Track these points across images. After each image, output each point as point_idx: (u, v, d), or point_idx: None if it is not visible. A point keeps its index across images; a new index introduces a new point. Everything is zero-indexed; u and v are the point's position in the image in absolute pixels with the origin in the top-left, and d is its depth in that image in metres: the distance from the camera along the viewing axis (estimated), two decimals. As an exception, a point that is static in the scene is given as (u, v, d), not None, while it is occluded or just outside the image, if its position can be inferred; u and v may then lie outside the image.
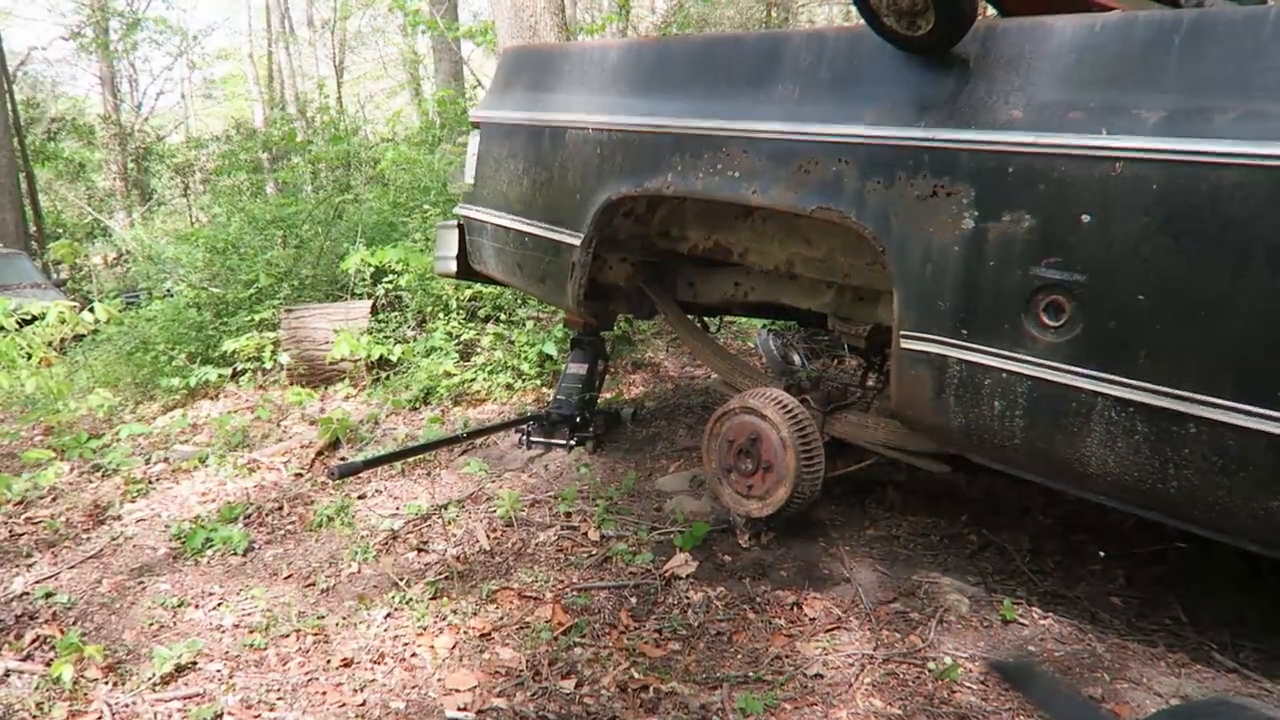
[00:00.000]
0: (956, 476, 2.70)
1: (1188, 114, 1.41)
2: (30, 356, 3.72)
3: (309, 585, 2.25)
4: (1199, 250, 1.39)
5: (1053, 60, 1.57)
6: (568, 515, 2.57)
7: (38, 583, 2.35)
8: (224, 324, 5.15)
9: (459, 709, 1.69)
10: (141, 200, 17.55)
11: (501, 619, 2.02)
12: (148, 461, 3.40)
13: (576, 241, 2.41)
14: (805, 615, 2.00)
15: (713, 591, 2.08)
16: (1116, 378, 1.49)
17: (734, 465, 2.30)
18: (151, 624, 2.10)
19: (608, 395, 3.67)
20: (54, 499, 3.08)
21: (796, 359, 4.11)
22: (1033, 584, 2.11)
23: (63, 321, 3.97)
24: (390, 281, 4.89)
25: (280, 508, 2.77)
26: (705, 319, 3.30)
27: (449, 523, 2.55)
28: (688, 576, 2.17)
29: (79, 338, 6.12)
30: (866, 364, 2.92)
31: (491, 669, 1.82)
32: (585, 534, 2.45)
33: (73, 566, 2.45)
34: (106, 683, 1.84)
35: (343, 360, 4.16)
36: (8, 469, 3.62)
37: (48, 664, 1.89)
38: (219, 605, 2.17)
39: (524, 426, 3.13)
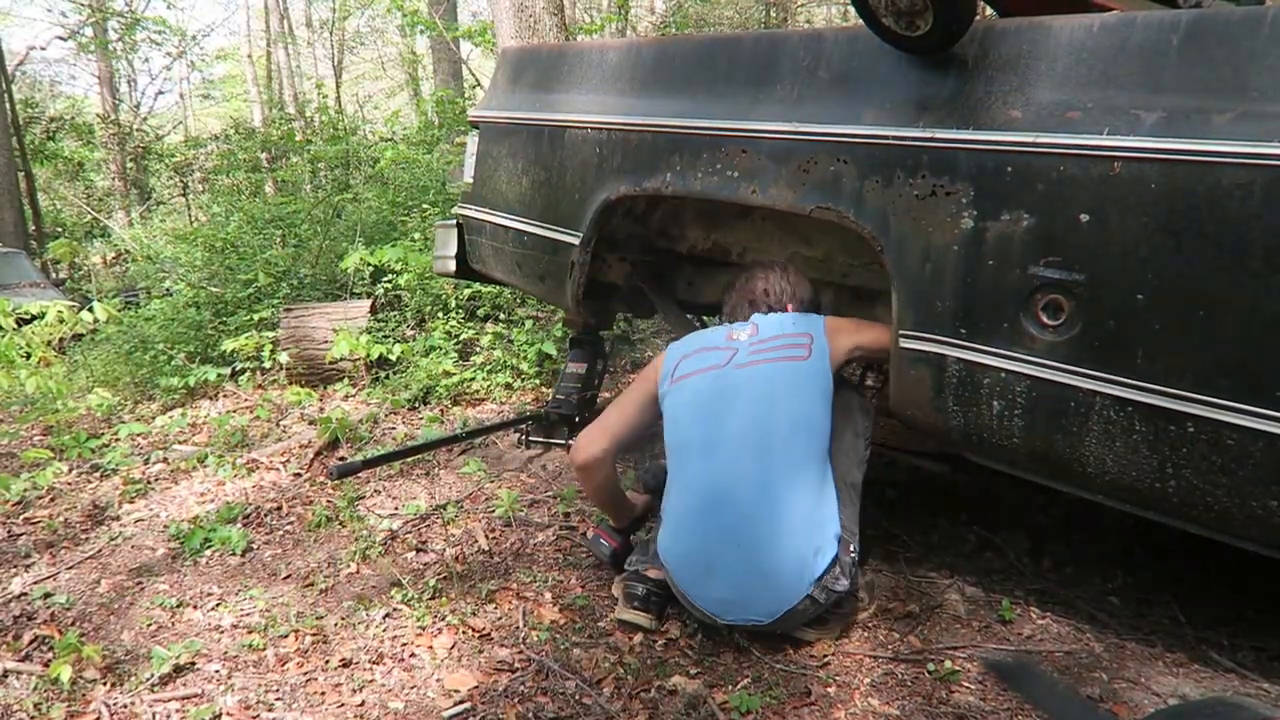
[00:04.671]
0: (955, 476, 2.70)
1: (1186, 114, 1.41)
2: (29, 356, 3.72)
3: (307, 585, 2.25)
4: (1197, 250, 1.39)
5: (1051, 60, 1.57)
6: (566, 515, 2.57)
7: (36, 583, 2.35)
8: (223, 323, 5.15)
9: (457, 709, 1.69)
10: (140, 200, 17.55)
11: (500, 619, 2.02)
12: (146, 461, 3.39)
13: (575, 241, 2.41)
14: (804, 615, 1.99)
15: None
16: (1115, 377, 1.49)
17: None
18: (150, 624, 2.10)
19: (607, 395, 3.67)
20: (52, 499, 3.08)
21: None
22: (1031, 584, 2.11)
23: (61, 321, 3.98)
24: (389, 281, 4.90)
25: (279, 508, 2.77)
26: (705, 318, 3.30)
27: (448, 523, 2.55)
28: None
29: (78, 337, 6.13)
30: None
31: (490, 669, 1.82)
32: (584, 534, 2.45)
33: (71, 567, 2.45)
34: (105, 683, 1.84)
35: (342, 360, 4.16)
36: (6, 469, 3.62)
37: (46, 664, 1.89)
38: (217, 606, 2.17)
39: (523, 426, 3.13)
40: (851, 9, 1.71)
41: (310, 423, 3.72)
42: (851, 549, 1.84)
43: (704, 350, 1.96)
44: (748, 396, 1.85)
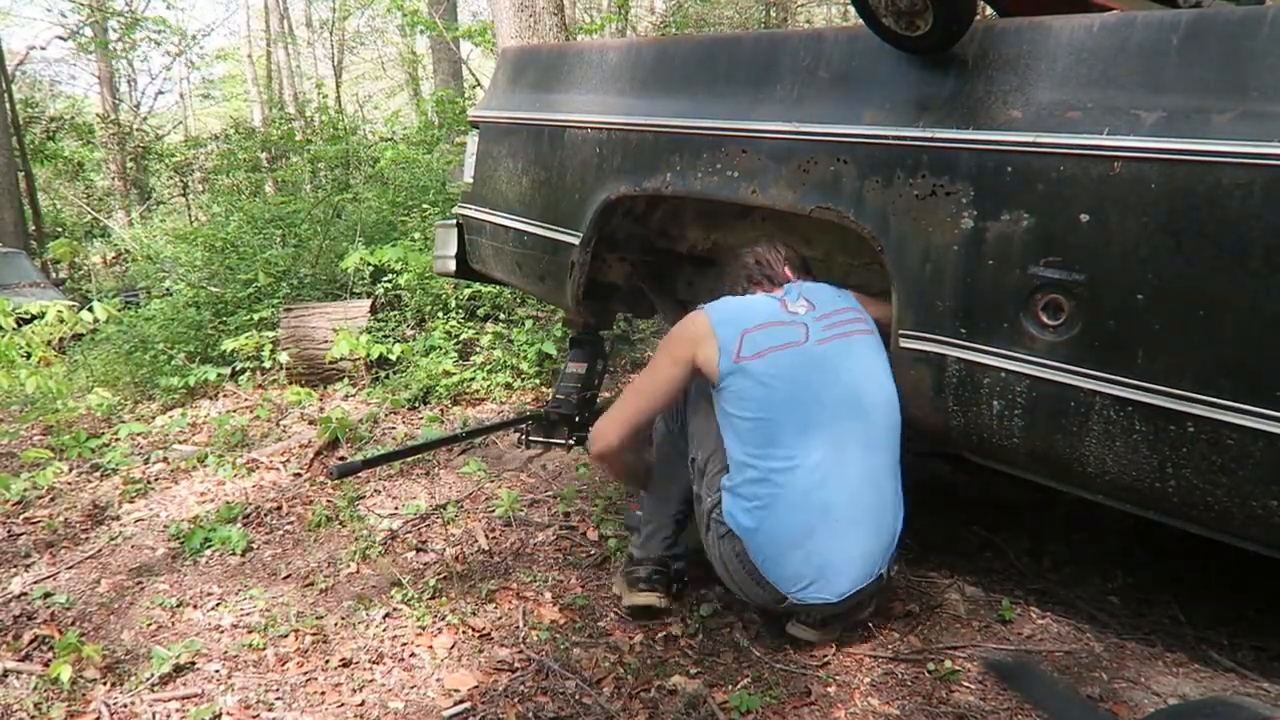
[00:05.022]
0: (955, 476, 2.70)
1: (1186, 114, 1.41)
2: (29, 356, 3.72)
3: (307, 585, 2.25)
4: (1197, 250, 1.39)
5: (1051, 60, 1.57)
6: (566, 515, 2.57)
7: (36, 583, 2.35)
8: (223, 323, 5.15)
9: (457, 709, 1.69)
10: (140, 199, 17.55)
11: (500, 619, 2.02)
12: (146, 461, 3.39)
13: (575, 241, 2.41)
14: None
15: (711, 591, 2.08)
16: (1115, 377, 1.49)
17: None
18: (150, 624, 2.10)
19: (607, 394, 3.67)
20: (52, 499, 3.08)
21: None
22: (1031, 583, 2.12)
23: (61, 321, 3.98)
24: (389, 280, 4.90)
25: (279, 508, 2.77)
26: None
27: (448, 523, 2.55)
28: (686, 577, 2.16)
29: (78, 337, 6.13)
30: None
31: (490, 669, 1.82)
32: (584, 534, 2.45)
33: (71, 567, 2.45)
34: (105, 683, 1.84)
35: (342, 359, 4.16)
36: (6, 469, 3.63)
37: (46, 664, 1.89)
38: (217, 605, 2.17)
39: (523, 426, 3.13)
40: (851, 9, 1.71)
41: (310, 422, 3.72)
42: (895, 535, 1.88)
43: (771, 325, 1.84)
44: (841, 373, 1.81)
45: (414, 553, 2.39)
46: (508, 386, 3.92)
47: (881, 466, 1.82)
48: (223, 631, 2.04)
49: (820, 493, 1.76)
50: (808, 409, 1.79)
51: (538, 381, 3.95)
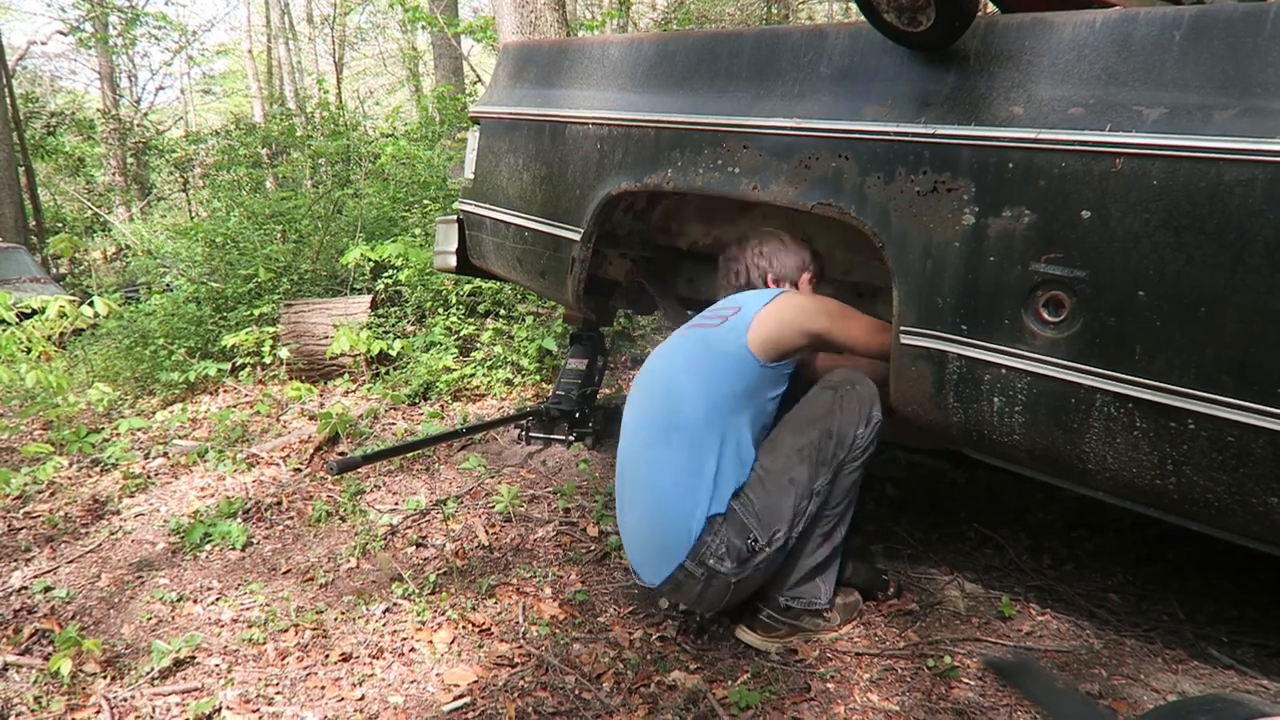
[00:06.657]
0: (955, 473, 2.70)
1: (1188, 110, 1.40)
2: (29, 351, 3.72)
3: (307, 580, 2.25)
4: (1199, 247, 1.39)
5: (1053, 56, 1.57)
6: (566, 511, 2.57)
7: (36, 577, 2.35)
8: (223, 319, 5.16)
9: (457, 703, 1.70)
10: (141, 195, 17.55)
11: (500, 614, 2.02)
12: (147, 456, 3.40)
13: (576, 236, 2.41)
14: (803, 611, 1.99)
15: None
16: (1116, 374, 1.49)
17: (733, 461, 2.30)
18: (150, 618, 2.10)
19: (607, 391, 3.67)
20: (52, 494, 3.08)
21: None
22: (1030, 580, 2.12)
23: (62, 316, 3.98)
24: (390, 276, 4.90)
25: (279, 503, 2.77)
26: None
27: (448, 518, 2.56)
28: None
29: (78, 332, 6.13)
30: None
31: (490, 664, 1.83)
32: (584, 530, 2.45)
33: (71, 561, 2.45)
34: (105, 677, 1.84)
35: (342, 355, 4.16)
36: (7, 463, 3.63)
37: (46, 658, 1.90)
38: (217, 600, 2.17)
39: (523, 422, 3.13)
40: (853, 4, 1.70)
41: (310, 418, 3.72)
42: (754, 539, 1.72)
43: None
44: (656, 367, 1.93)
45: (414, 548, 2.39)
46: (508, 383, 3.92)
47: (662, 460, 1.77)
48: (223, 626, 2.04)
49: (620, 478, 1.90)
50: (631, 401, 1.93)
51: (538, 378, 3.95)
